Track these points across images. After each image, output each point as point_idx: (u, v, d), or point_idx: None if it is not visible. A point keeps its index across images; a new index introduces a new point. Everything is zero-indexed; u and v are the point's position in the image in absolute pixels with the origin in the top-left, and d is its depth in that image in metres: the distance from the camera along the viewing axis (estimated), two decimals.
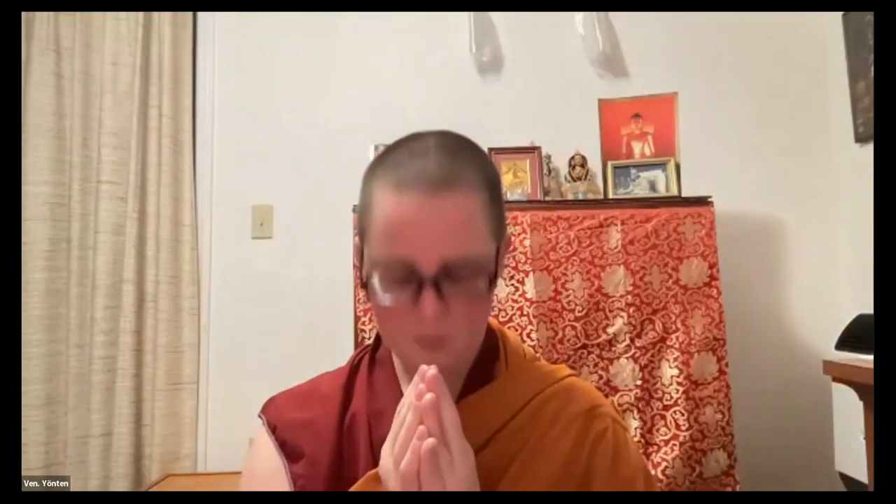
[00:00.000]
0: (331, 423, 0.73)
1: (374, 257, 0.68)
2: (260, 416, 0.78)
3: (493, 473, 0.67)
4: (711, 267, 1.80)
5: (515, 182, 2.04)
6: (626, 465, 0.71)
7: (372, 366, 0.79)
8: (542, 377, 0.76)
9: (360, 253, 0.72)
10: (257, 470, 0.75)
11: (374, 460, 0.68)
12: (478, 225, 0.68)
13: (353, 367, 0.79)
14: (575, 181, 2.07)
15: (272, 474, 0.73)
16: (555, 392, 0.74)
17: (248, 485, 0.76)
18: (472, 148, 0.71)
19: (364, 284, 0.71)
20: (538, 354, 0.82)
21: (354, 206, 1.74)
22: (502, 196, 0.74)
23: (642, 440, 1.72)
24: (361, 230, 0.71)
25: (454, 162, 0.67)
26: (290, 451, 0.73)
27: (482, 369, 0.75)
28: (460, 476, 0.61)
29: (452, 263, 0.65)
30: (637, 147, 1.99)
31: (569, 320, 1.78)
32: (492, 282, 0.69)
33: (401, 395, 0.72)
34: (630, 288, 1.79)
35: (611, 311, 1.79)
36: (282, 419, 0.76)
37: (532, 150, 2.07)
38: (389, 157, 0.69)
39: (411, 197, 0.65)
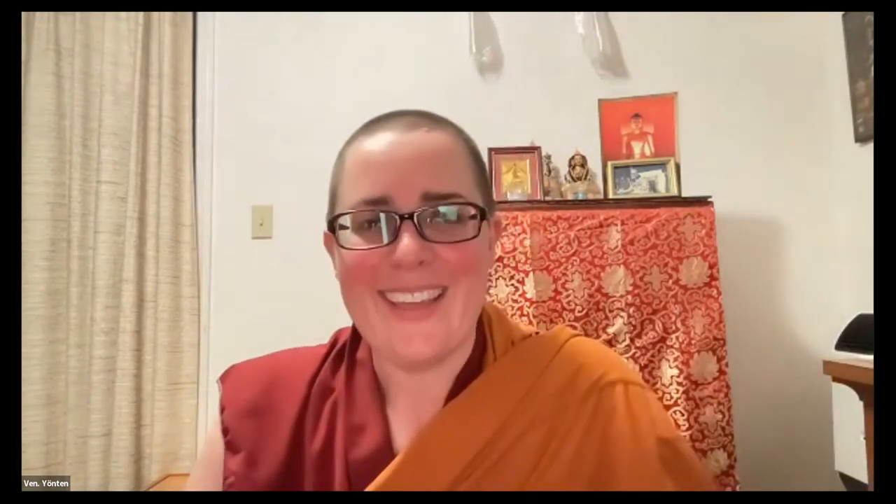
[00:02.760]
0: (286, 421, 0.64)
1: (345, 206, 0.59)
2: (217, 383, 0.69)
3: (499, 485, 0.58)
4: (711, 267, 1.80)
5: (515, 182, 2.04)
6: (646, 434, 0.60)
7: (352, 367, 0.67)
8: (536, 358, 0.65)
9: (330, 244, 0.64)
10: (205, 451, 0.67)
11: (350, 487, 0.59)
12: (462, 168, 0.61)
13: (329, 352, 0.70)
14: (575, 181, 2.07)
15: (213, 461, 0.65)
16: (554, 372, 0.63)
17: (195, 465, 0.69)
18: (453, 123, 0.66)
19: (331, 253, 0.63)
20: (531, 332, 0.70)
21: None
22: (486, 173, 0.67)
23: None
24: (330, 200, 0.63)
25: (433, 117, 0.63)
26: (230, 440, 0.64)
27: (470, 366, 0.64)
28: None
29: (435, 198, 0.57)
30: (637, 147, 1.99)
31: (569, 320, 1.78)
32: (481, 228, 0.59)
33: (382, 406, 0.63)
34: (630, 288, 1.79)
35: (611, 311, 1.79)
36: (233, 398, 0.66)
37: (532, 150, 2.07)
38: (360, 127, 0.65)
39: (386, 135, 0.60)
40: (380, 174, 0.58)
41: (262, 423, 0.64)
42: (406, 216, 0.56)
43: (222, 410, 0.66)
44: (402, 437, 0.62)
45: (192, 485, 0.68)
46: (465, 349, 0.65)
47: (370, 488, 0.58)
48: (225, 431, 0.64)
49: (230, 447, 0.63)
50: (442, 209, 0.57)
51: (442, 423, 0.61)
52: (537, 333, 0.70)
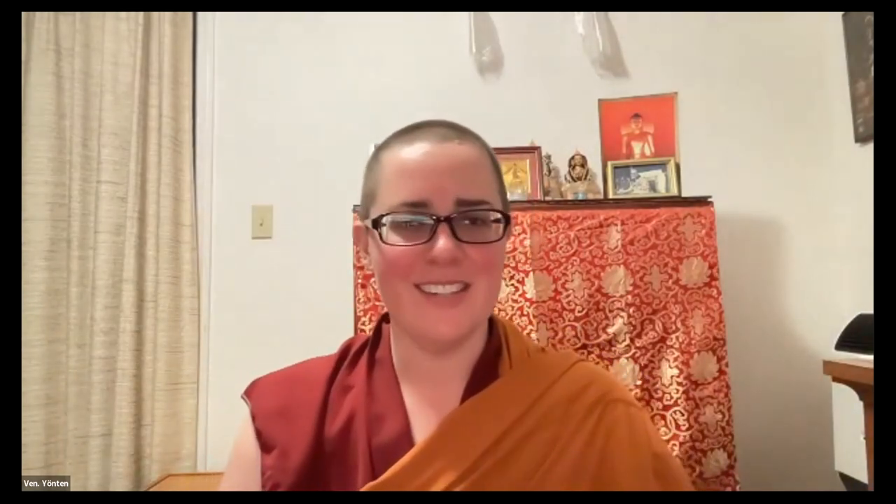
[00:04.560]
0: (309, 414, 0.70)
1: (385, 207, 0.66)
2: (243, 398, 0.75)
3: (508, 477, 0.64)
4: (711, 267, 1.80)
5: (515, 182, 2.04)
6: (643, 448, 0.68)
7: (371, 365, 0.74)
8: (548, 370, 0.73)
9: (361, 236, 0.72)
10: (239, 458, 0.73)
11: (374, 470, 0.65)
12: (488, 177, 0.70)
13: (342, 357, 0.77)
14: (575, 181, 2.07)
15: (250, 465, 0.71)
16: (564, 384, 0.71)
17: (230, 472, 0.74)
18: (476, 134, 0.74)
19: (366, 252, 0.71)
20: (543, 346, 0.80)
21: (355, 206, 1.74)
22: (504, 180, 0.76)
23: None
24: (368, 198, 0.71)
25: (461, 129, 0.71)
26: (264, 441, 0.70)
27: (486, 368, 0.72)
28: None
29: (467, 204, 0.65)
30: (637, 147, 1.99)
31: (569, 320, 1.78)
32: (505, 231, 0.68)
33: (401, 398, 0.70)
34: (630, 288, 1.79)
35: (611, 311, 1.79)
36: (260, 406, 0.73)
37: (532, 150, 2.07)
38: (394, 134, 0.72)
39: (422, 145, 0.67)
40: (418, 180, 0.65)
41: (289, 420, 0.70)
42: (442, 219, 0.64)
43: (253, 419, 0.72)
44: (421, 426, 0.68)
45: (226, 486, 0.73)
46: (477, 342, 0.73)
47: (390, 471, 0.64)
48: (259, 434, 0.71)
49: (265, 448, 0.70)
50: (474, 214, 0.66)
51: (460, 417, 0.67)
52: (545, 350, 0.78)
